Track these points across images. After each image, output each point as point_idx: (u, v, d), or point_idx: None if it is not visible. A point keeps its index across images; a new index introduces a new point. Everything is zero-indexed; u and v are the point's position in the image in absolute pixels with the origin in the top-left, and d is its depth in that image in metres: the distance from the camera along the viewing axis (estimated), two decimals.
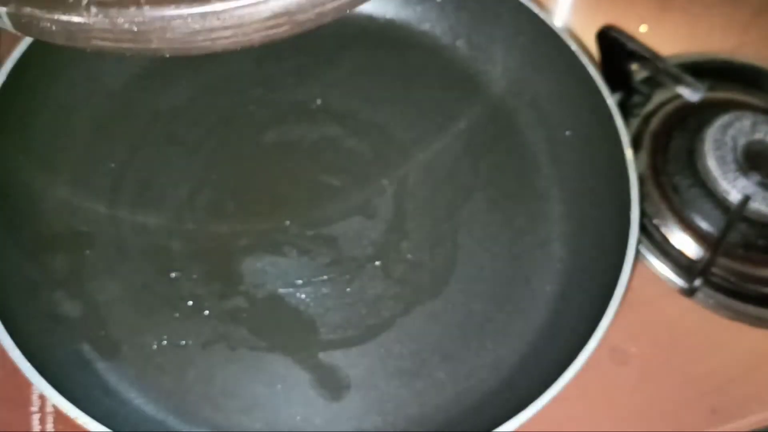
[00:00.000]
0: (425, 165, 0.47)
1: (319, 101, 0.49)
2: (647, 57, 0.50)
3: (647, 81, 0.52)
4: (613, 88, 0.48)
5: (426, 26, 0.52)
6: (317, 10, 0.22)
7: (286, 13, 0.21)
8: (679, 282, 0.45)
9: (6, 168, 0.42)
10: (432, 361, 0.41)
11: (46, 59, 0.43)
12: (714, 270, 0.45)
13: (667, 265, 0.46)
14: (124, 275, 0.42)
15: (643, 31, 0.56)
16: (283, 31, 0.22)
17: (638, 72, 0.52)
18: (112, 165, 0.45)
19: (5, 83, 0.41)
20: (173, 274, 0.42)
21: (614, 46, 0.51)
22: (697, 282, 0.44)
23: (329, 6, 0.22)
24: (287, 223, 0.44)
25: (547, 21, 0.48)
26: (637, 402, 0.42)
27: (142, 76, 0.48)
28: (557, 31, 0.47)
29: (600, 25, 0.52)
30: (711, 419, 0.41)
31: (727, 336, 0.44)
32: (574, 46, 0.47)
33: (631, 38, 0.51)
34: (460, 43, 0.52)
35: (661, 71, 0.50)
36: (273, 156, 0.47)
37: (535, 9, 0.48)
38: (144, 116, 0.47)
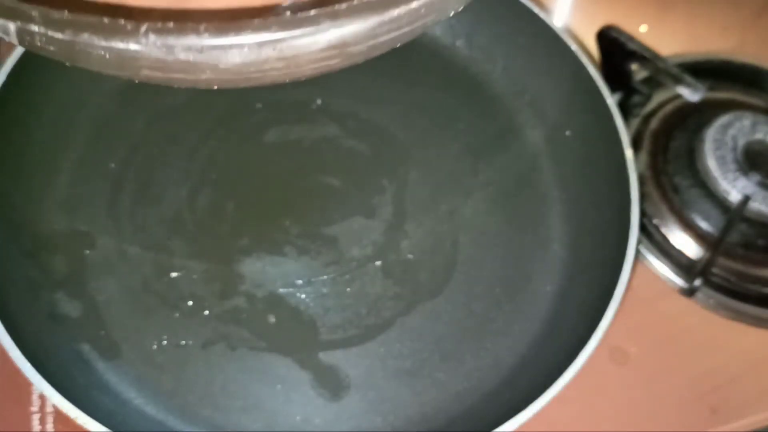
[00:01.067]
0: (425, 165, 0.47)
1: (319, 101, 0.49)
2: (647, 57, 0.50)
3: (647, 81, 0.51)
4: (613, 88, 0.48)
5: None
6: (370, 42, 0.22)
7: (342, 44, 0.21)
8: (679, 282, 0.45)
9: (6, 168, 0.42)
10: (432, 361, 0.41)
11: (46, 59, 0.43)
12: (714, 270, 0.45)
13: (667, 265, 0.46)
14: (124, 275, 0.42)
15: (643, 31, 0.56)
16: (334, 63, 0.22)
17: (638, 72, 0.52)
18: (112, 165, 0.45)
19: (5, 83, 0.41)
20: (173, 274, 0.42)
21: (614, 46, 0.51)
22: (697, 282, 0.44)
23: (382, 39, 0.22)
24: (287, 223, 0.44)
25: (547, 21, 0.48)
26: (637, 402, 0.42)
27: None
28: (557, 31, 0.47)
29: (600, 25, 0.52)
30: (711, 419, 0.41)
31: (727, 336, 0.44)
32: (574, 46, 0.47)
33: (631, 38, 0.51)
34: (460, 43, 0.52)
35: (661, 71, 0.50)
36: (273, 156, 0.47)
37: (535, 9, 0.48)
38: (144, 116, 0.47)
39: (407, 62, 0.51)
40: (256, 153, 0.47)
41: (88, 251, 0.42)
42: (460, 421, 0.39)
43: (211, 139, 0.47)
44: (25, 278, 0.40)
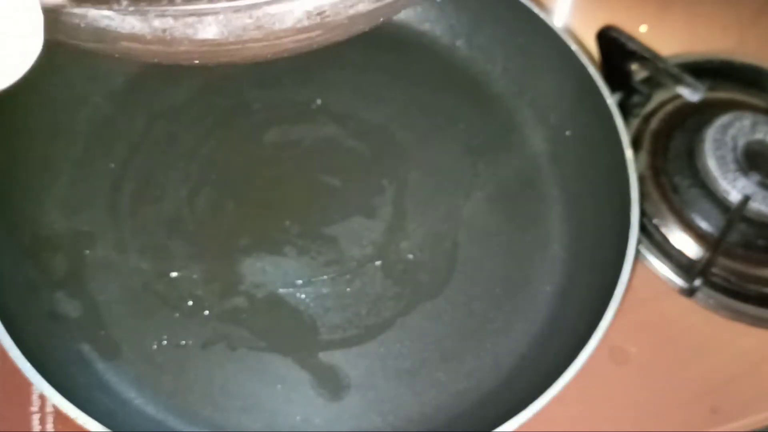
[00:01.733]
0: (425, 165, 0.47)
1: (319, 101, 0.49)
2: (647, 57, 0.50)
3: (647, 81, 0.51)
4: (613, 88, 0.48)
5: (426, 26, 0.52)
6: (350, 12, 0.21)
7: (320, 13, 0.20)
8: (679, 282, 0.45)
9: (6, 168, 0.42)
10: (432, 361, 0.41)
11: (45, 59, 0.43)
12: (714, 270, 0.45)
13: (667, 265, 0.46)
14: (124, 275, 0.42)
15: (643, 31, 0.56)
16: (315, 36, 0.22)
17: (638, 72, 0.52)
18: (112, 165, 0.45)
19: None
20: (173, 274, 0.42)
21: (614, 46, 0.51)
22: (697, 282, 0.44)
23: (360, 8, 0.21)
24: (287, 223, 0.44)
25: (547, 21, 0.48)
26: (637, 402, 0.41)
27: (142, 76, 0.48)
28: (557, 31, 0.47)
29: (600, 25, 0.52)
30: (711, 419, 0.41)
31: (727, 336, 0.44)
32: (574, 46, 0.47)
33: (631, 38, 0.51)
34: (460, 43, 0.52)
35: (661, 71, 0.50)
36: (273, 156, 0.47)
37: (535, 9, 0.48)
38: (144, 116, 0.47)
39: (407, 62, 0.51)
40: (256, 153, 0.47)
41: (88, 251, 0.42)
42: (460, 421, 0.39)
43: (211, 139, 0.47)
44: (25, 278, 0.40)
